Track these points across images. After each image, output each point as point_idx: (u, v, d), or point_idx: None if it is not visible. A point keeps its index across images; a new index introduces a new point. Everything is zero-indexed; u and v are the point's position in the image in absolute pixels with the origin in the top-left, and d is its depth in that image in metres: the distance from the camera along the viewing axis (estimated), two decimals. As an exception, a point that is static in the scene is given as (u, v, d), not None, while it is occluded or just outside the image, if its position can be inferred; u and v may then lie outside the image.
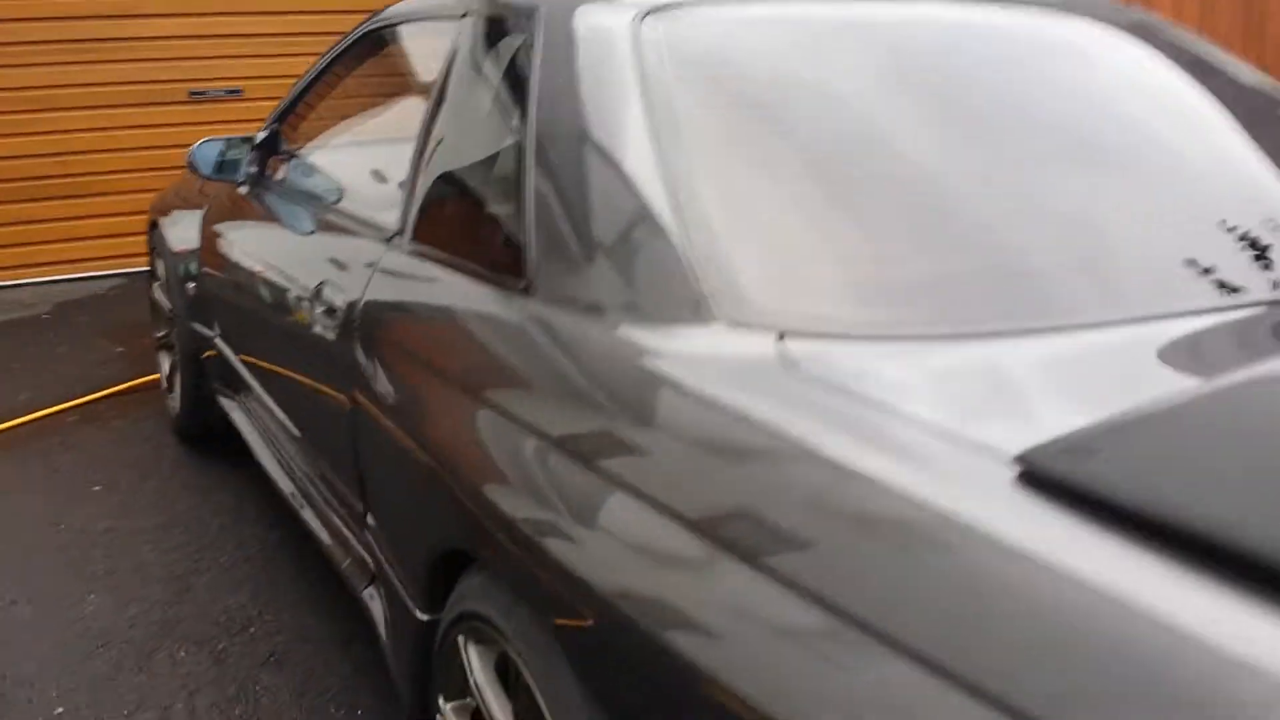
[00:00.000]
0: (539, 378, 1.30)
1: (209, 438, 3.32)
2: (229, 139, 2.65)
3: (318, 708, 2.11)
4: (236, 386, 2.86)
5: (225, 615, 2.43)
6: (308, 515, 2.30)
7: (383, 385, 1.64)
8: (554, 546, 1.13)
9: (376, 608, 1.90)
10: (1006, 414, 0.99)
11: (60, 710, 2.11)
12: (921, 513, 0.82)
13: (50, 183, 5.37)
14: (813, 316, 1.16)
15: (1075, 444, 0.82)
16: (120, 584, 2.58)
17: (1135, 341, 1.13)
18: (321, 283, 1.95)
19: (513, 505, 1.22)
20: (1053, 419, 0.86)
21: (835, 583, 0.83)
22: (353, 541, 2.11)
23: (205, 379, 3.11)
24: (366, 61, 2.33)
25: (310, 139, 2.52)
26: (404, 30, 2.24)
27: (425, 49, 2.05)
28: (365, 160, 2.21)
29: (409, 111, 2.02)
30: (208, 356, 3.01)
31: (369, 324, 1.73)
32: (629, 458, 1.10)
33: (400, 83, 2.28)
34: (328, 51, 2.41)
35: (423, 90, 1.96)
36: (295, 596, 2.50)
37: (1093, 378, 1.07)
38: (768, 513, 0.92)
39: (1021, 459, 0.83)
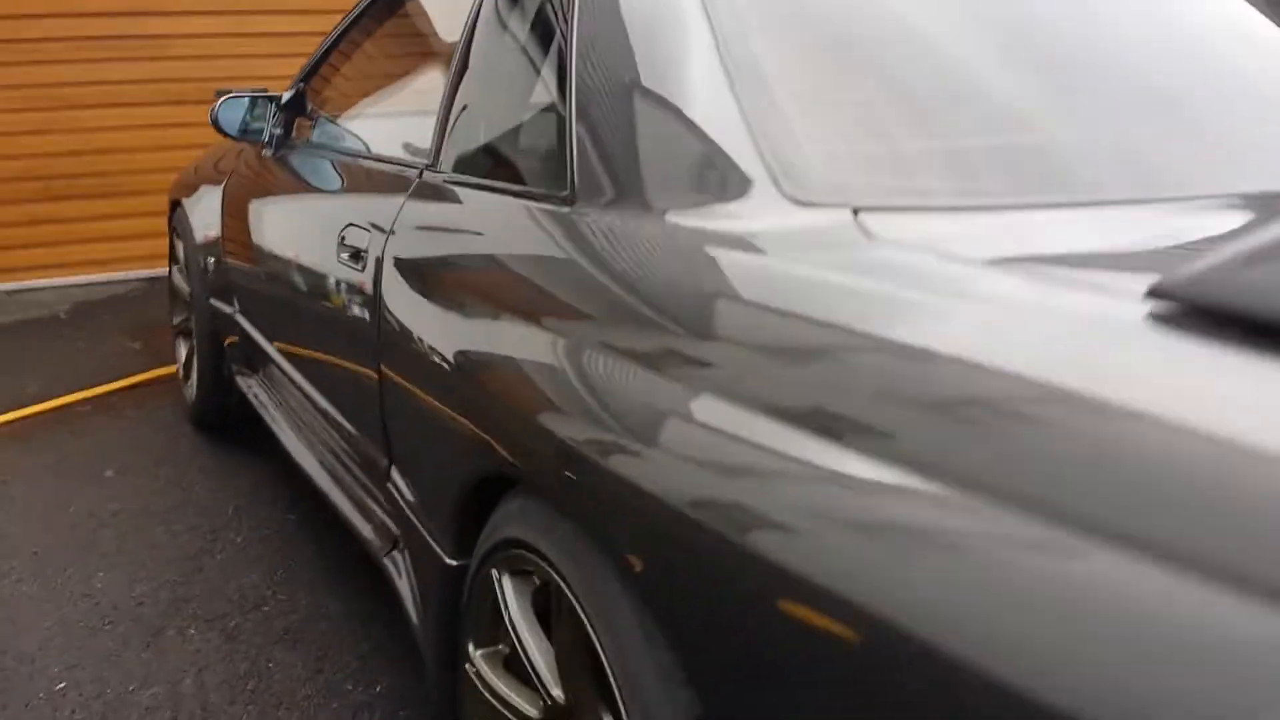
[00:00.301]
0: (587, 284, 1.18)
1: (226, 425, 3.22)
2: (254, 97, 2.56)
3: (334, 684, 1.98)
4: (256, 362, 2.76)
5: (238, 594, 2.31)
6: (327, 486, 2.19)
7: (412, 315, 1.53)
8: (615, 459, 1.00)
9: (399, 572, 1.78)
10: (1116, 267, 0.87)
11: (63, 685, 1.99)
12: (1067, 364, 0.70)
13: (73, 182, 5.31)
14: (883, 190, 1.05)
15: (1213, 270, 0.69)
16: (129, 563, 2.46)
17: (1211, 208, 1.04)
18: (346, 226, 1.84)
19: (565, 418, 1.10)
20: (1164, 269, 0.74)
21: (969, 462, 0.70)
22: (374, 508, 1.99)
23: (223, 360, 3.01)
24: (395, 12, 2.23)
25: (339, 96, 2.42)
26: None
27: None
28: (394, 111, 2.11)
29: (439, 60, 1.92)
30: (226, 334, 2.91)
31: (398, 256, 1.63)
32: (700, 351, 0.97)
33: (430, 31, 2.17)
34: (355, 5, 2.31)
35: (453, 29, 1.86)
36: (311, 576, 2.38)
37: (1184, 237, 0.98)
38: (874, 393, 0.79)
39: (1158, 291, 0.70)
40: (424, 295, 1.52)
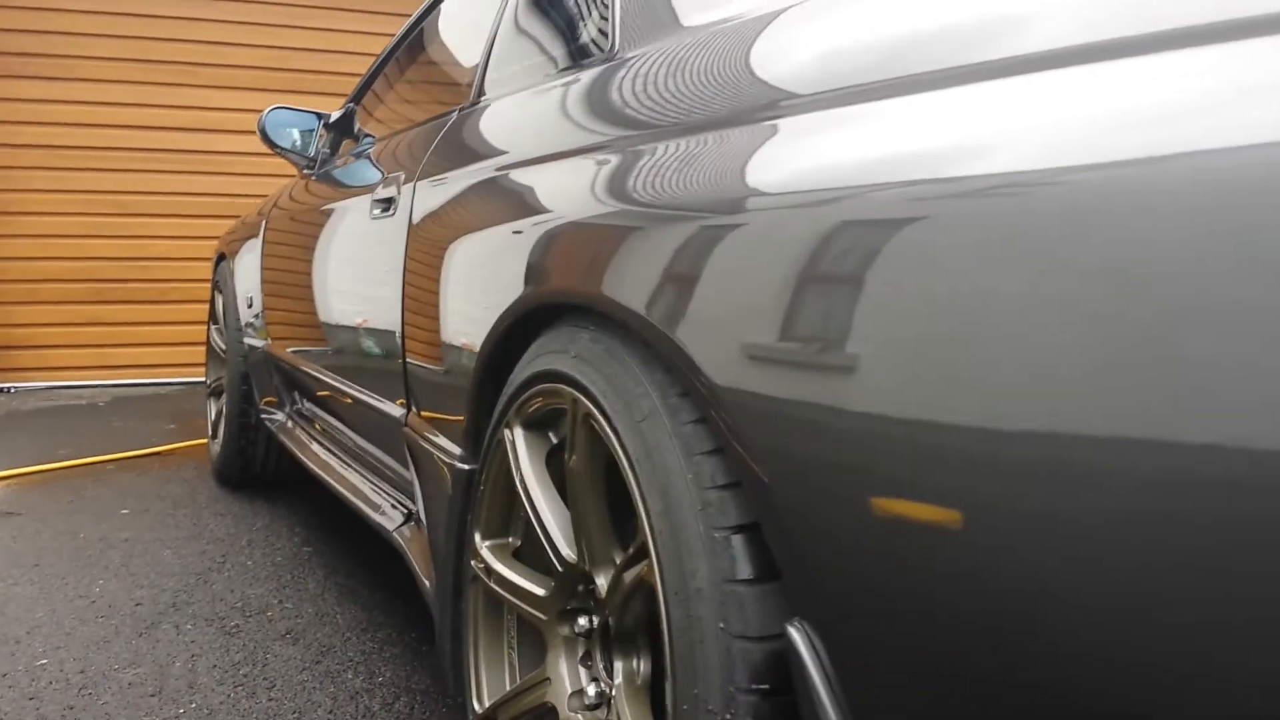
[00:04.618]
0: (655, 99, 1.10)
1: (247, 481, 3.13)
2: (300, 113, 2.58)
3: (333, 673, 1.82)
4: (281, 393, 2.70)
5: (242, 601, 2.17)
6: (344, 484, 2.09)
7: (453, 190, 1.46)
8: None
9: (407, 543, 1.67)
10: None
11: (44, 662, 1.85)
12: None
13: (123, 286, 5.41)
14: None
15: None
16: (132, 575, 2.34)
17: None
18: (379, 181, 1.81)
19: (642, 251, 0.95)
20: None
21: None
22: (386, 494, 1.90)
23: (251, 404, 2.95)
24: (443, 30, 2.23)
25: (390, 116, 2.41)
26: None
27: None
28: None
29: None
30: (256, 371, 2.86)
31: (431, 168, 1.59)
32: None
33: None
34: (405, 24, 2.34)
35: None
36: (320, 592, 2.24)
37: None
38: None
39: None
40: (462, 181, 1.45)
